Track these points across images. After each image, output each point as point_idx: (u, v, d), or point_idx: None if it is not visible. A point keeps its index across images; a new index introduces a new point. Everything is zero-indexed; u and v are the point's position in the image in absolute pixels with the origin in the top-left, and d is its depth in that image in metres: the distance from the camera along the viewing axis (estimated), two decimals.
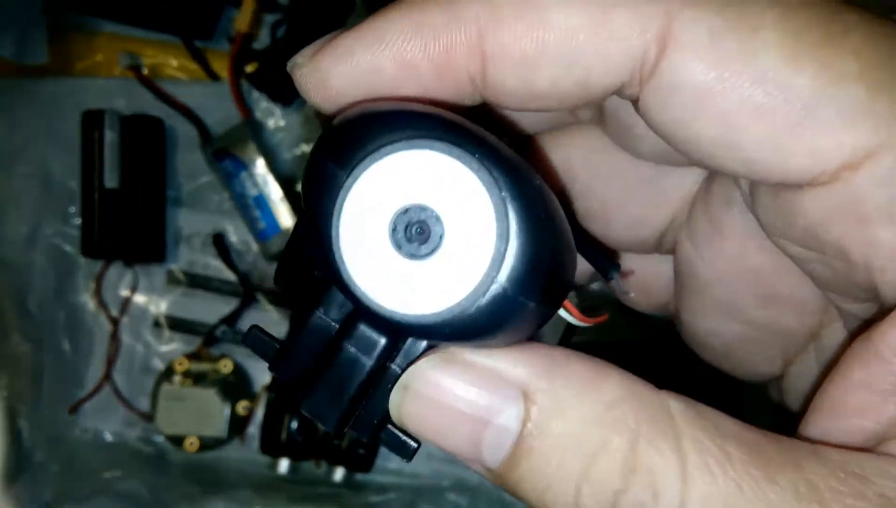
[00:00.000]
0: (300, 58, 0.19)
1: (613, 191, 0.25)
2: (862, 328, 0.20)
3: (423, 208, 0.17)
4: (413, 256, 0.17)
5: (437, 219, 0.17)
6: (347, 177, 0.17)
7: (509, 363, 0.18)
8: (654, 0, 0.18)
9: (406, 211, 0.17)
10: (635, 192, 0.24)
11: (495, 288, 0.17)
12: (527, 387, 0.17)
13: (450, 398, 0.18)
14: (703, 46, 0.18)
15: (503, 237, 0.16)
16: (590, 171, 0.25)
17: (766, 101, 0.17)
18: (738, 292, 0.23)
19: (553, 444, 0.17)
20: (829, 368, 0.19)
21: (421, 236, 0.17)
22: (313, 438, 0.62)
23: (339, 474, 0.62)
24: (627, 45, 0.18)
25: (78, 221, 0.64)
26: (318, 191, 0.18)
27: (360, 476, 0.63)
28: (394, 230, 0.17)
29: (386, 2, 0.19)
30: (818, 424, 0.19)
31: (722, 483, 0.16)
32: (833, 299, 0.22)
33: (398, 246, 0.17)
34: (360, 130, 0.18)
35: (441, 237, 0.17)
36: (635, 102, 0.19)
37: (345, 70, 0.19)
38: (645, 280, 0.27)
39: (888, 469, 0.17)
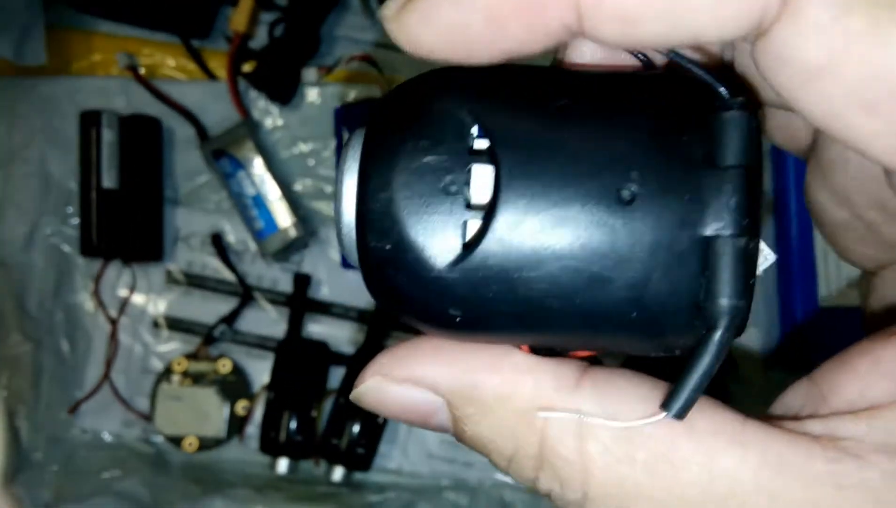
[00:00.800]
0: (389, 10, 0.19)
1: None
2: None
3: None
4: None
5: None
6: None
7: (432, 371, 0.19)
8: None
9: None
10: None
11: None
12: (449, 397, 0.19)
13: (393, 406, 0.20)
14: (824, 19, 0.16)
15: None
16: None
17: (884, 95, 0.16)
18: (856, 184, 0.22)
19: (476, 442, 0.19)
20: None
21: None
22: (312, 437, 0.62)
23: (338, 473, 0.62)
24: (745, 5, 0.16)
25: (76, 220, 0.64)
26: None
27: (359, 476, 0.63)
28: None
29: None
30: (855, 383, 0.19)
31: (620, 484, 0.17)
32: None
33: None
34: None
35: None
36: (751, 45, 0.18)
37: (433, 28, 0.18)
38: (785, 125, 0.24)
39: (808, 465, 0.17)
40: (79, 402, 0.64)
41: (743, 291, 0.17)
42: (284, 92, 0.64)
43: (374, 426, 0.62)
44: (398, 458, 0.64)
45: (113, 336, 0.65)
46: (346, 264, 0.65)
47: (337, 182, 0.19)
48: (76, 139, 0.62)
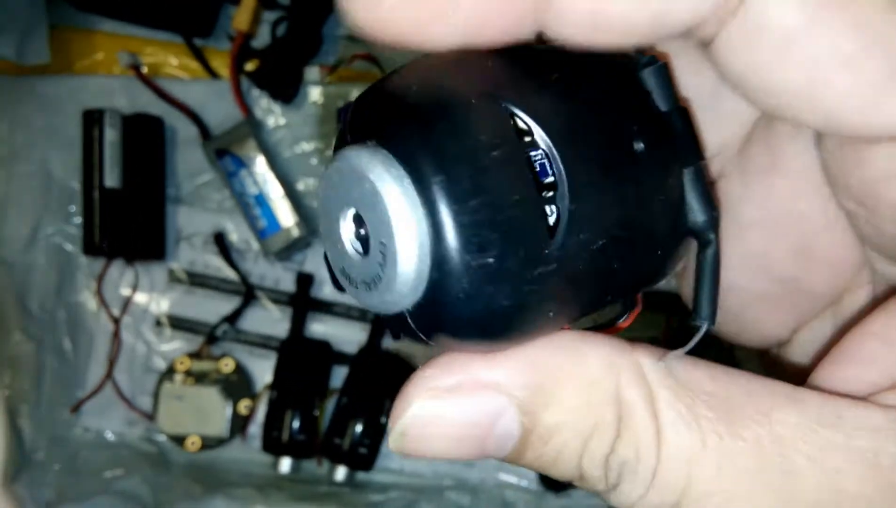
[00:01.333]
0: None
1: None
2: (888, 292, 0.20)
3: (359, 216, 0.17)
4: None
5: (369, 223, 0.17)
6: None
7: (493, 371, 0.18)
8: None
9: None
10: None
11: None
12: (513, 391, 0.18)
13: (446, 428, 0.18)
14: None
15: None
16: None
17: (858, 50, 0.16)
18: (776, 241, 0.22)
19: (550, 434, 0.18)
20: (848, 327, 0.19)
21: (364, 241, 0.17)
22: (315, 437, 0.62)
23: (340, 473, 0.62)
24: None
25: (79, 219, 0.64)
26: None
27: (361, 475, 0.63)
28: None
29: None
30: (824, 371, 0.19)
31: (687, 440, 0.17)
32: (872, 258, 0.21)
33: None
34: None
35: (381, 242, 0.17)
36: (706, 45, 0.18)
37: (410, 10, 0.17)
38: None
39: (868, 418, 0.17)
40: (81, 401, 0.64)
41: (715, 202, 0.19)
42: (287, 91, 0.64)
43: (377, 425, 0.62)
44: (400, 458, 0.64)
45: (115, 335, 0.64)
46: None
47: (379, 221, 0.16)
48: (79, 138, 0.62)
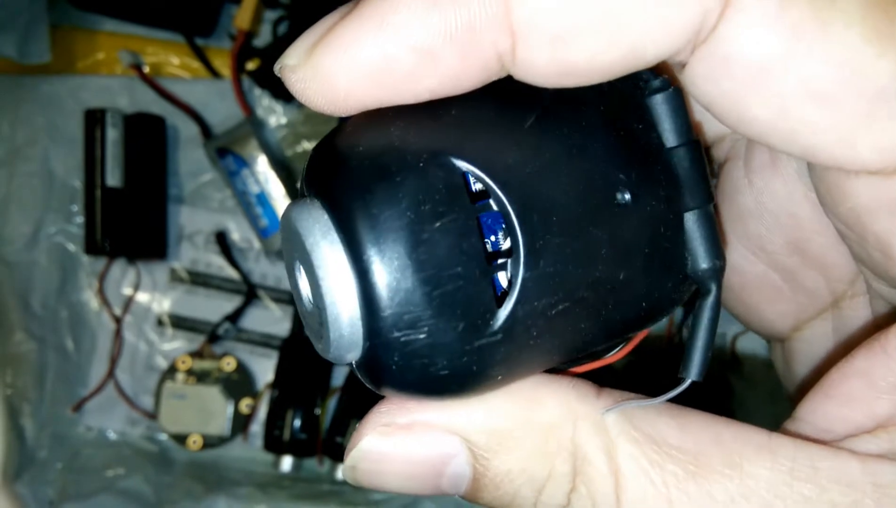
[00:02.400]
0: (292, 58, 0.17)
1: None
2: (889, 313, 0.19)
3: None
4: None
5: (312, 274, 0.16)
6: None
7: (445, 414, 0.17)
8: None
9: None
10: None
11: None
12: (465, 434, 0.17)
13: (397, 465, 0.18)
14: (769, 13, 0.15)
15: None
16: None
17: (834, 86, 0.15)
18: (773, 232, 0.22)
19: (502, 480, 0.17)
20: (843, 346, 0.19)
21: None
22: (316, 435, 0.62)
23: (341, 471, 0.62)
24: (686, 9, 0.15)
25: (80, 219, 0.64)
26: None
27: None
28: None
29: None
30: (809, 404, 0.18)
31: (652, 498, 0.16)
32: (866, 274, 0.21)
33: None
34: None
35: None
36: (682, 67, 0.17)
37: (352, 67, 0.16)
38: None
39: (844, 471, 0.16)
40: (83, 400, 0.64)
41: (720, 251, 0.18)
42: (288, 90, 0.64)
43: None
44: None
45: (117, 334, 0.65)
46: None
47: (316, 284, 0.16)
48: (80, 138, 0.62)
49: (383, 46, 0.15)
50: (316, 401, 0.62)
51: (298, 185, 0.18)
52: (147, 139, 0.64)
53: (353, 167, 0.16)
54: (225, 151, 0.62)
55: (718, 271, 0.18)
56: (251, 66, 0.63)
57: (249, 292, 0.65)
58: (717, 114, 0.17)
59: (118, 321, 0.65)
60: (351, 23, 0.16)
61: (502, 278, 0.16)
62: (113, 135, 0.62)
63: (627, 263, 0.17)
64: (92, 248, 0.63)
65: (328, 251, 0.15)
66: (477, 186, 0.16)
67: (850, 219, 0.18)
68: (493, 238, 0.16)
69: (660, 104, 0.18)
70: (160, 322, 0.65)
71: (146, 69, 0.65)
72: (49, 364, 0.63)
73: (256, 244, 0.65)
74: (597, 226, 0.16)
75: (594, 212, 0.16)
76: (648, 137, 0.18)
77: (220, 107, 0.65)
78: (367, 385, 0.17)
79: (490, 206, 0.16)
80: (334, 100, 0.16)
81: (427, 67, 0.16)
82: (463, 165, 0.16)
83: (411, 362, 0.16)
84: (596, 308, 0.17)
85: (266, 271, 0.66)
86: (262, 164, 0.62)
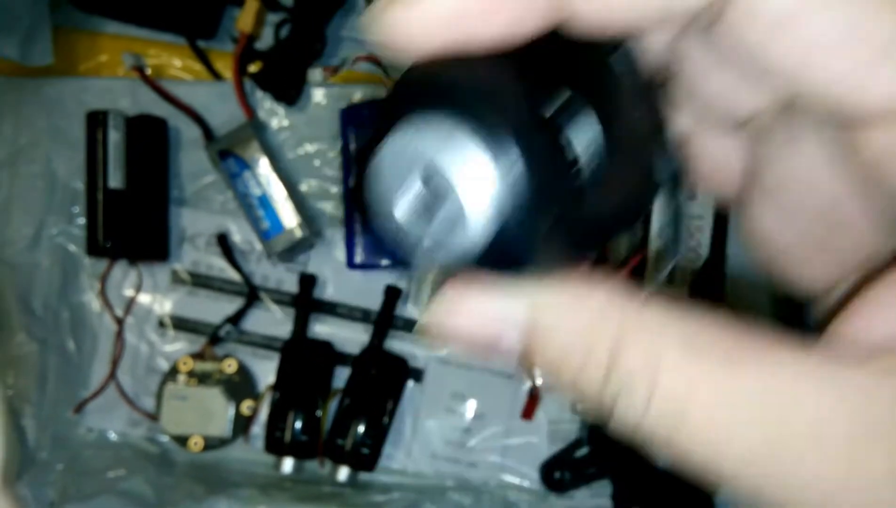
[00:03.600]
0: (375, 10, 0.19)
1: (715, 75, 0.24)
2: None
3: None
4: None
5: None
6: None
7: (515, 296, 0.19)
8: None
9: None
10: (734, 76, 0.23)
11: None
12: (526, 307, 0.19)
13: (466, 323, 0.19)
14: None
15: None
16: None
17: (851, 29, 0.17)
18: (803, 202, 0.23)
19: (553, 350, 0.19)
20: None
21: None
22: (317, 437, 0.62)
23: (342, 473, 0.62)
24: None
25: (82, 220, 0.64)
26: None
27: (363, 476, 0.63)
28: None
29: None
30: (840, 323, 0.20)
31: (684, 392, 0.18)
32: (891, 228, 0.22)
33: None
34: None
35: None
36: (709, 24, 0.19)
37: (429, 17, 0.18)
38: (717, 162, 0.26)
39: (875, 382, 0.17)
40: (84, 401, 0.64)
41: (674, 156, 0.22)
42: (290, 92, 0.64)
43: (379, 426, 0.62)
44: (403, 458, 0.64)
45: (119, 336, 0.65)
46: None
47: (448, 188, 0.18)
48: (82, 139, 0.62)
49: None
50: (317, 403, 0.62)
51: (385, 111, 0.19)
52: (149, 141, 0.64)
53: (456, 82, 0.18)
54: (227, 154, 0.63)
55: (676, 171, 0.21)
56: (253, 68, 0.63)
57: (251, 294, 0.65)
58: (745, 68, 0.19)
59: (120, 322, 0.65)
60: None
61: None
62: (115, 137, 0.62)
63: (631, 176, 0.21)
64: (94, 249, 0.63)
65: (465, 153, 0.18)
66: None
67: (870, 170, 0.19)
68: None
69: (619, 61, 0.21)
70: (161, 324, 0.65)
71: (148, 71, 0.65)
72: (50, 366, 0.63)
73: (258, 246, 0.65)
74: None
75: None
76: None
77: (222, 109, 0.65)
78: (449, 264, 0.19)
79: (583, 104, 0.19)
80: (413, 46, 0.18)
81: (493, 13, 0.18)
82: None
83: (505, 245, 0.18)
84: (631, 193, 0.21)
85: (268, 272, 0.66)
86: (264, 166, 0.62)
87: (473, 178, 0.18)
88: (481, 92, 0.18)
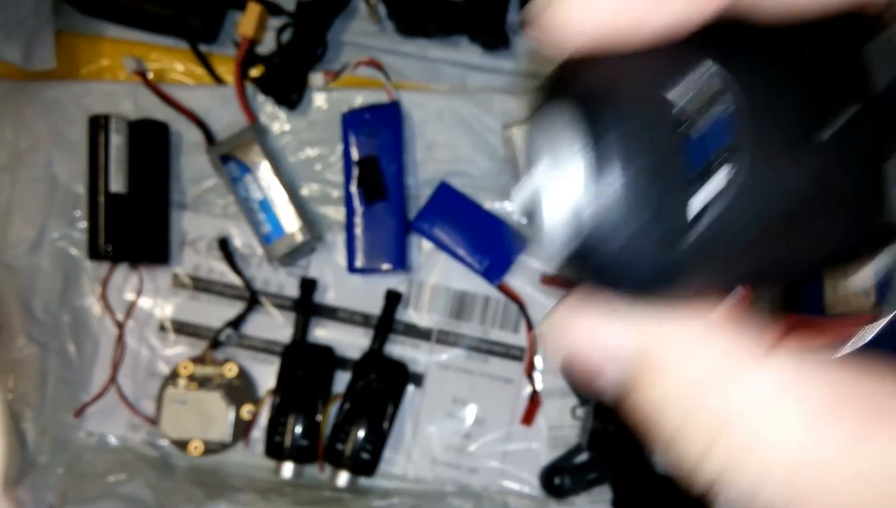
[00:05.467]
0: (538, 5, 0.17)
1: None
2: None
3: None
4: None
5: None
6: None
7: (627, 326, 0.17)
8: None
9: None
10: None
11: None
12: (635, 349, 0.17)
13: (580, 342, 0.18)
14: None
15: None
16: None
17: None
18: None
19: (652, 400, 0.17)
20: None
21: None
22: (317, 442, 0.62)
23: (342, 478, 0.62)
24: None
25: (83, 224, 0.64)
26: None
27: (363, 481, 0.63)
28: None
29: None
30: None
31: (817, 466, 0.15)
32: None
33: None
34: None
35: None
36: None
37: (594, 8, 0.16)
38: None
39: None
40: (85, 405, 0.64)
41: None
42: (291, 97, 0.64)
43: (379, 431, 0.62)
44: (403, 464, 0.64)
45: (119, 340, 0.65)
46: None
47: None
48: (84, 143, 0.62)
49: None
50: (317, 408, 0.62)
51: (539, 92, 0.18)
52: (150, 145, 0.64)
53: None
54: (228, 158, 0.63)
55: None
56: (255, 72, 0.63)
57: (251, 299, 0.65)
58: None
59: (120, 326, 0.65)
60: None
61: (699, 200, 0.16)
62: (116, 141, 0.62)
63: (822, 201, 0.17)
64: (95, 253, 0.63)
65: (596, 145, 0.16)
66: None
67: None
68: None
69: (875, 48, 0.17)
70: (162, 328, 0.65)
71: (150, 75, 0.66)
72: (51, 369, 0.63)
73: (259, 250, 0.65)
74: (796, 161, 0.17)
75: (795, 145, 0.17)
76: (858, 81, 0.17)
77: (223, 113, 0.65)
78: (571, 274, 0.17)
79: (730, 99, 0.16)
80: (578, 39, 0.17)
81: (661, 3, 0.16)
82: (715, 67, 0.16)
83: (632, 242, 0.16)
84: (784, 240, 0.17)
85: (268, 277, 0.66)
86: (265, 170, 0.62)
87: (598, 195, 0.16)
88: (632, 102, 0.16)
